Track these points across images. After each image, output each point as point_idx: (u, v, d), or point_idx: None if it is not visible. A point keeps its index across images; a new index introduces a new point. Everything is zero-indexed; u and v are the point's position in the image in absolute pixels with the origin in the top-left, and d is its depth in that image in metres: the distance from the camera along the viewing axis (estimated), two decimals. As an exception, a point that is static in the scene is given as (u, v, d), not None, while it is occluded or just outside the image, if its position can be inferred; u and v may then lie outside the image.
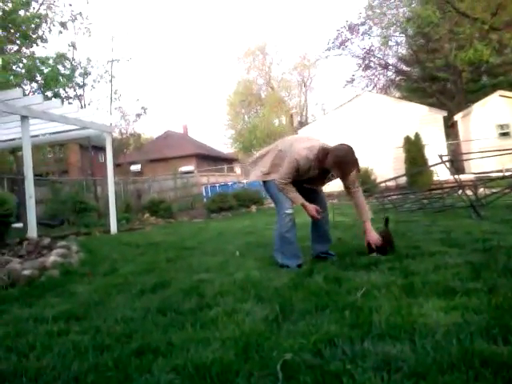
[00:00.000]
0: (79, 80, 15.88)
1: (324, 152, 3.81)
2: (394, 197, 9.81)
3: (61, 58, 13.61)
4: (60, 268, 4.65)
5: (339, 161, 3.72)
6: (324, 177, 4.00)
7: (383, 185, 18.50)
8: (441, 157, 7.63)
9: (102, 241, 8.14)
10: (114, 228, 10.93)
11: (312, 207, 3.95)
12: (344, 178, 3.92)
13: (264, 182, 4.21)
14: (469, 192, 8.22)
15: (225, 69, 72.99)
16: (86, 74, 16.05)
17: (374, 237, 4.00)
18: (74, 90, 15.48)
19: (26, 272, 4.22)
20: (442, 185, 10.67)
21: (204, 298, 2.97)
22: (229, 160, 42.85)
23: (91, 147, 18.02)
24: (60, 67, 14.05)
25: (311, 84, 48.22)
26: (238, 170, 45.04)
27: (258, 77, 46.07)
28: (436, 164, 8.67)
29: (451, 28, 20.74)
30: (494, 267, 3.07)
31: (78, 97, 15.85)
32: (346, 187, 4.12)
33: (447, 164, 8.21)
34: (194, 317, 2.53)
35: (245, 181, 29.37)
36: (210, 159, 40.14)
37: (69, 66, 14.83)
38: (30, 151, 7.99)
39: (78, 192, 15.92)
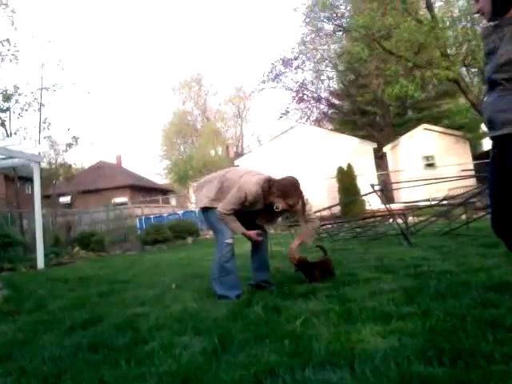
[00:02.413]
0: (1, 105, 15.21)
1: (269, 184, 3.87)
2: (329, 226, 10.00)
3: None
4: (-19, 307, 4.32)
5: (282, 190, 3.80)
6: (270, 212, 4.03)
7: (318, 214, 18.89)
8: (372, 186, 7.90)
9: (27, 277, 7.69)
10: (41, 263, 10.39)
11: (252, 232, 3.97)
12: (289, 210, 3.98)
13: (204, 209, 4.10)
14: (399, 220, 8.54)
15: (160, 100, 72.83)
16: (8, 98, 15.39)
17: (293, 252, 4.13)
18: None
19: None
20: (374, 213, 11.02)
21: (139, 333, 2.84)
22: (164, 191, 42.28)
23: (17, 178, 17.21)
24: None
25: (247, 115, 49.09)
26: (173, 201, 44.51)
27: (193, 108, 46.31)
28: (368, 193, 8.97)
29: (378, 65, 21.94)
30: (426, 291, 3.16)
31: (2, 123, 15.13)
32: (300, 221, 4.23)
33: (378, 193, 8.50)
34: (128, 353, 2.40)
35: (180, 212, 29.05)
36: (145, 190, 39.45)
37: None
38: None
39: (2, 225, 15.07)
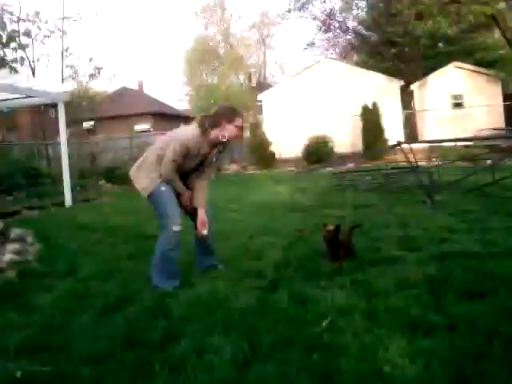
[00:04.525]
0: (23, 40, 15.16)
1: (202, 117, 3.74)
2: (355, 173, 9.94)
3: None
4: (17, 268, 4.51)
5: (227, 114, 3.67)
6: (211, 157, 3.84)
7: (339, 152, 18.77)
8: (399, 144, 7.75)
9: (57, 221, 7.94)
10: (68, 199, 10.66)
11: (188, 194, 3.85)
12: (233, 133, 3.68)
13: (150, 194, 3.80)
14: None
15: (182, 24, 70.51)
16: (28, 33, 15.31)
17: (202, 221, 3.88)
18: (20, 50, 14.72)
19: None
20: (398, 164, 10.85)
21: (171, 322, 2.96)
22: (186, 118, 42.07)
23: (42, 108, 17.31)
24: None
25: (270, 42, 47.57)
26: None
27: (216, 33, 44.86)
28: (394, 146, 8.81)
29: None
30: (451, 287, 3.19)
31: (24, 59, 15.12)
32: (206, 167, 3.91)
33: (405, 147, 8.34)
34: (162, 354, 2.51)
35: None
36: (167, 117, 39.28)
37: None
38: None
39: (29, 157, 15.32)
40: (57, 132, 11.44)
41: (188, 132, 3.71)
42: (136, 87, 42.16)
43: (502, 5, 17.16)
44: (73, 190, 11.32)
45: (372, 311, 2.89)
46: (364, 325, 2.71)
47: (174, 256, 3.77)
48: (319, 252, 4.39)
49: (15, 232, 5.72)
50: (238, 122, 3.66)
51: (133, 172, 3.92)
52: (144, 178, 3.78)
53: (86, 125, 32.47)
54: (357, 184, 9.42)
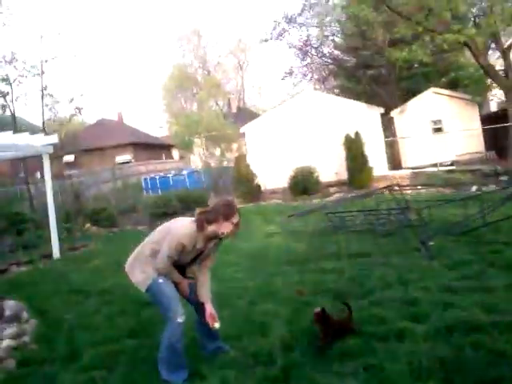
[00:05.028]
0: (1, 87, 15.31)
1: (200, 213, 3.70)
2: (344, 214, 9.96)
3: None
4: (15, 355, 4.39)
5: (224, 212, 3.63)
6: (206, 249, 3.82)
7: (325, 181, 18.92)
8: (390, 188, 7.84)
9: (48, 282, 7.76)
10: (56, 251, 10.48)
11: (186, 284, 3.86)
12: (226, 226, 3.63)
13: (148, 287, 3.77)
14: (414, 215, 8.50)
15: (160, 54, 71.33)
16: (6, 79, 15.43)
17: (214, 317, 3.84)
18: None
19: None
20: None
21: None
22: (167, 146, 42.11)
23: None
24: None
25: (248, 67, 48.21)
26: (175, 155, 44.34)
27: (193, 60, 45.34)
28: (383, 188, 8.90)
29: (385, 23, 21.25)
30: (465, 376, 3.18)
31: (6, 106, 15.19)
32: (205, 258, 3.88)
33: (395, 190, 8.45)
34: None
35: (185, 171, 28.89)
36: (148, 147, 39.27)
37: None
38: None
39: (12, 203, 15.08)
40: (38, 164, 11.31)
41: (185, 228, 3.66)
42: (116, 118, 42.18)
43: (472, 30, 17.63)
44: (59, 238, 11.12)
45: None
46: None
47: (180, 347, 3.70)
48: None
49: (9, 306, 5.58)
50: (235, 218, 3.64)
51: (127, 266, 3.86)
52: (139, 272, 3.74)
53: (67, 159, 32.36)
54: (348, 225, 9.46)
